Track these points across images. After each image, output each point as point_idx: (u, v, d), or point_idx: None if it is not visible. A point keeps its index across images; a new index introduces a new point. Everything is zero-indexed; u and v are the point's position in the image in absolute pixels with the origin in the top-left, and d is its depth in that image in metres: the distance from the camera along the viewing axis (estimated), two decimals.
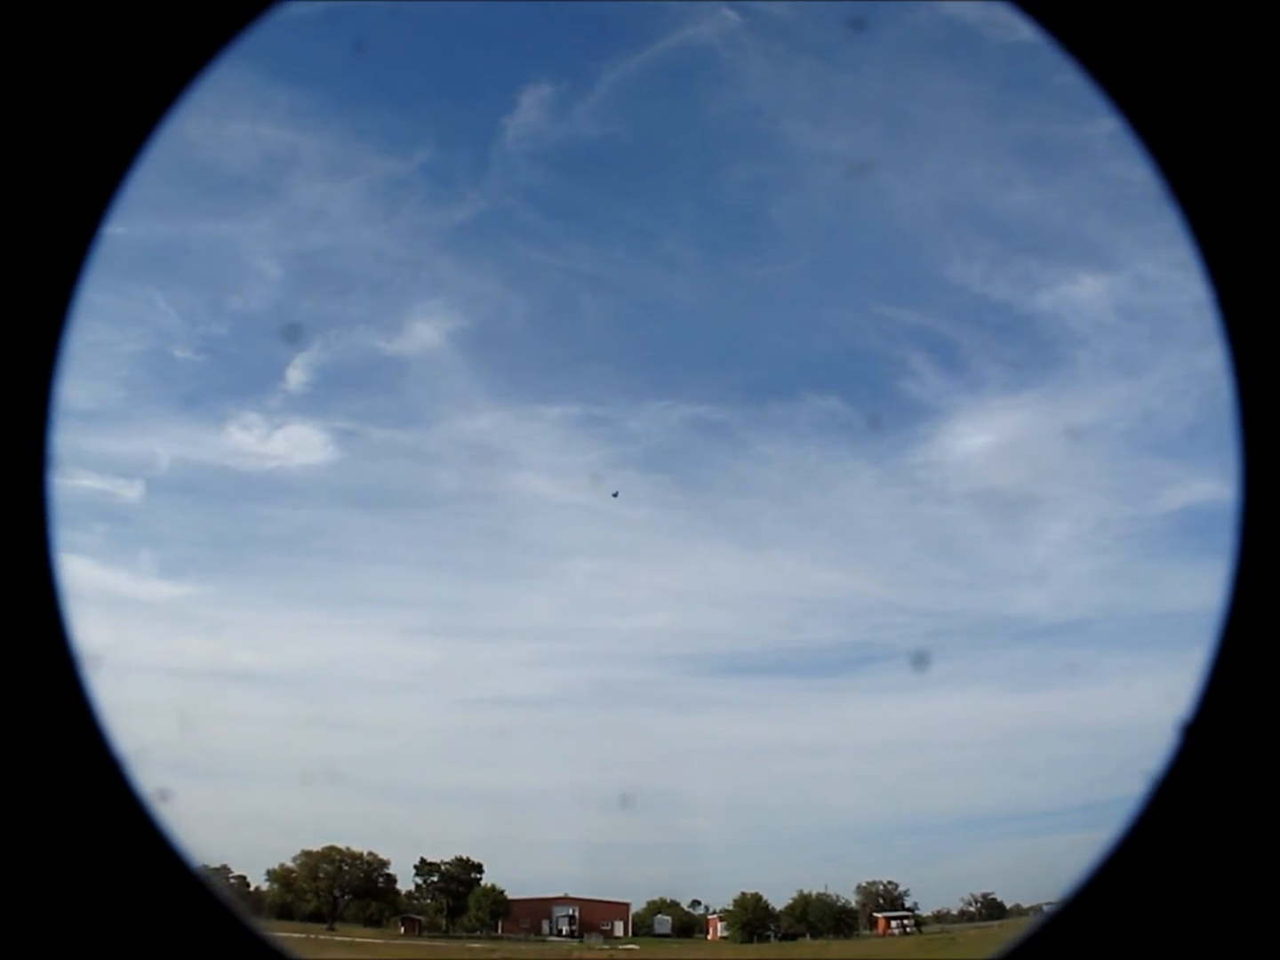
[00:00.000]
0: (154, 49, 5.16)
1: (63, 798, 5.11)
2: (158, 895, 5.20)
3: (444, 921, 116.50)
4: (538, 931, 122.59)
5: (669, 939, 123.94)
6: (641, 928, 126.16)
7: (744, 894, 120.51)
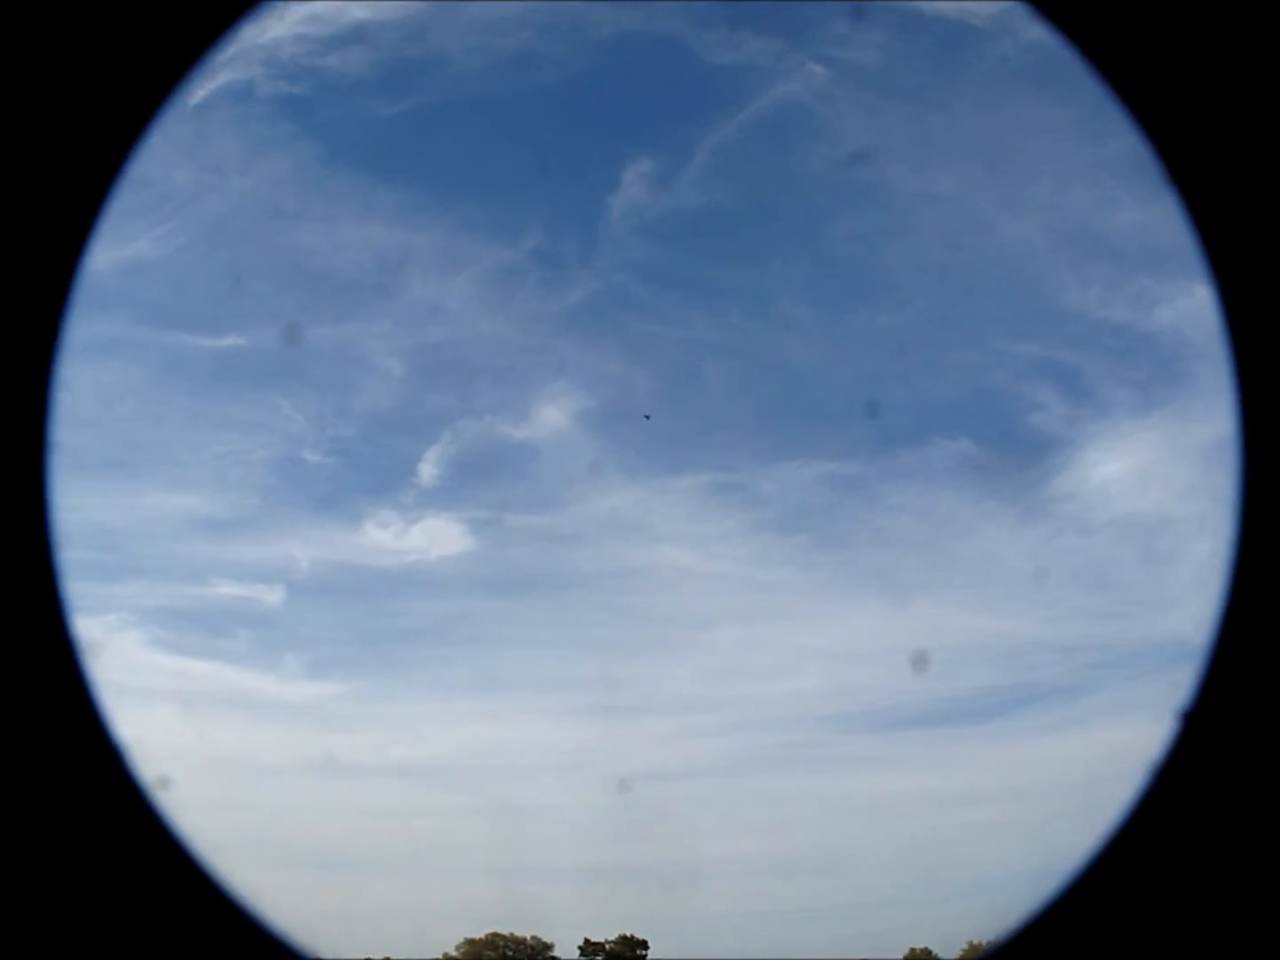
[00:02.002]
0: (140, 52, 5.09)
1: (63, 785, 5.08)
2: (156, 881, 5.18)
3: None
4: None
5: None
6: None
7: (913, 949, 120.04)
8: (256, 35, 28.38)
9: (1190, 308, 28.74)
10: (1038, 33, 30.54)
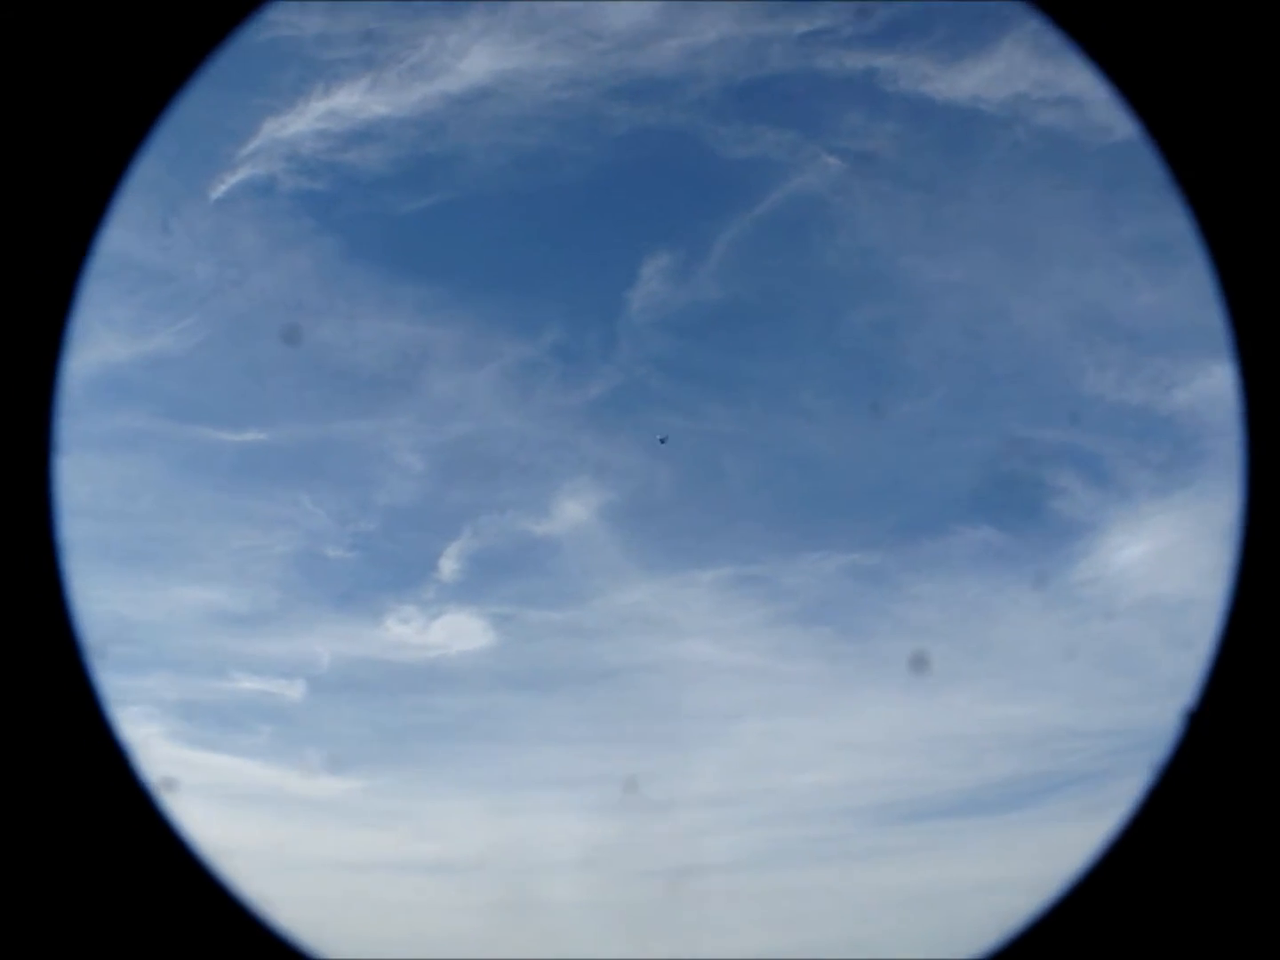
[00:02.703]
0: (145, 52, 5.16)
1: (69, 785, 5.11)
2: (162, 880, 5.20)
3: None
4: None
5: None
6: None
7: None
8: (277, 130, 29.05)
9: (1208, 388, 28.69)
10: (1049, 118, 30.82)
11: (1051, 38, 5.11)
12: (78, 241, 5.14)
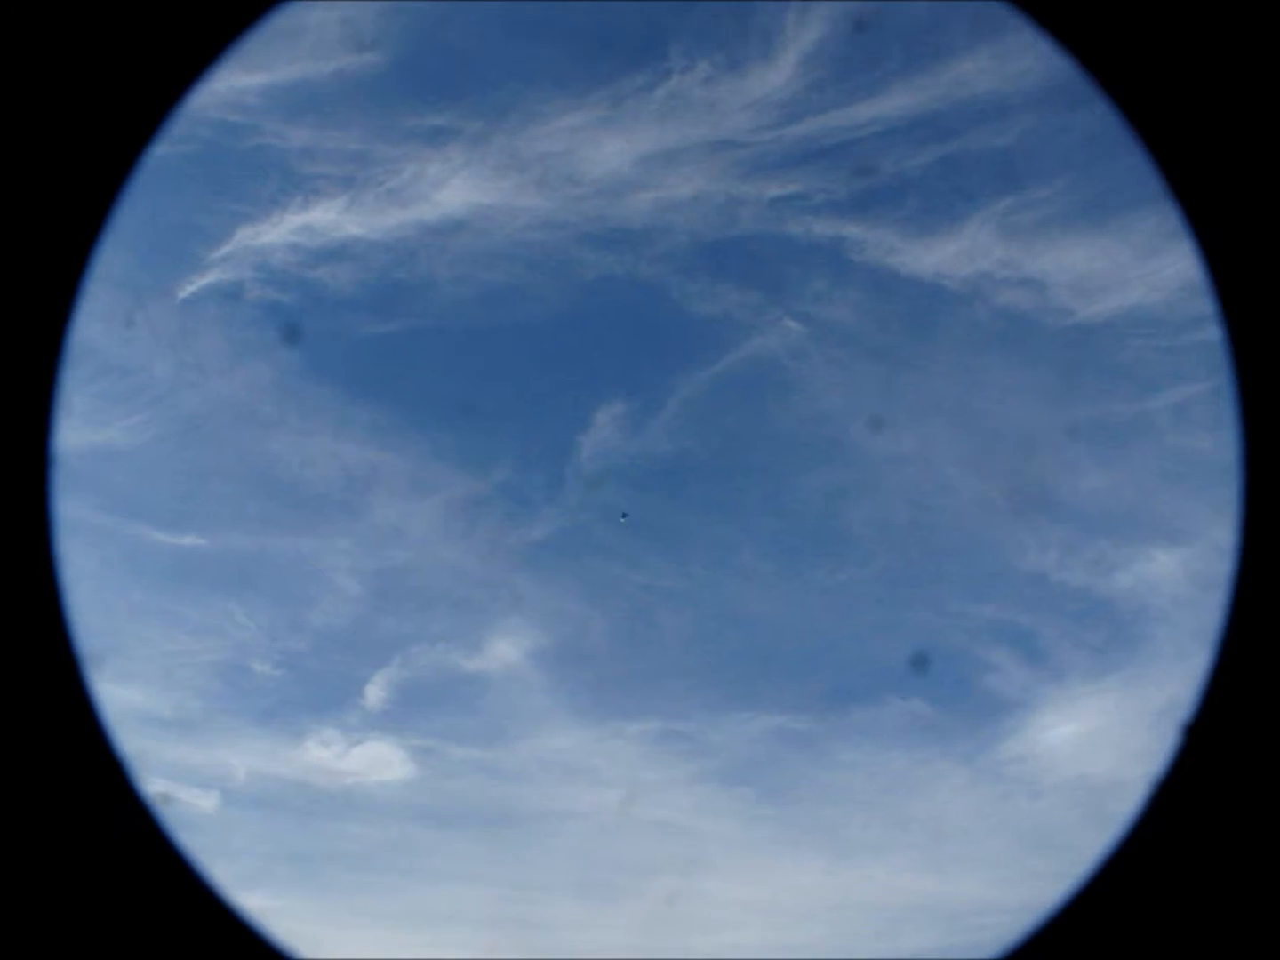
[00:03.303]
0: (155, 51, 5.18)
1: (66, 798, 5.08)
2: (160, 895, 5.16)
3: None
4: None
5: None
6: None
7: None
8: (250, 238, 29.29)
9: (1149, 572, 29.34)
10: (1010, 298, 32.02)
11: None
12: (80, 243, 5.20)
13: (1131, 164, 30.22)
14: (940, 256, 31.53)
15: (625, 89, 30.53)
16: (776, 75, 29.84)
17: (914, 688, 32.30)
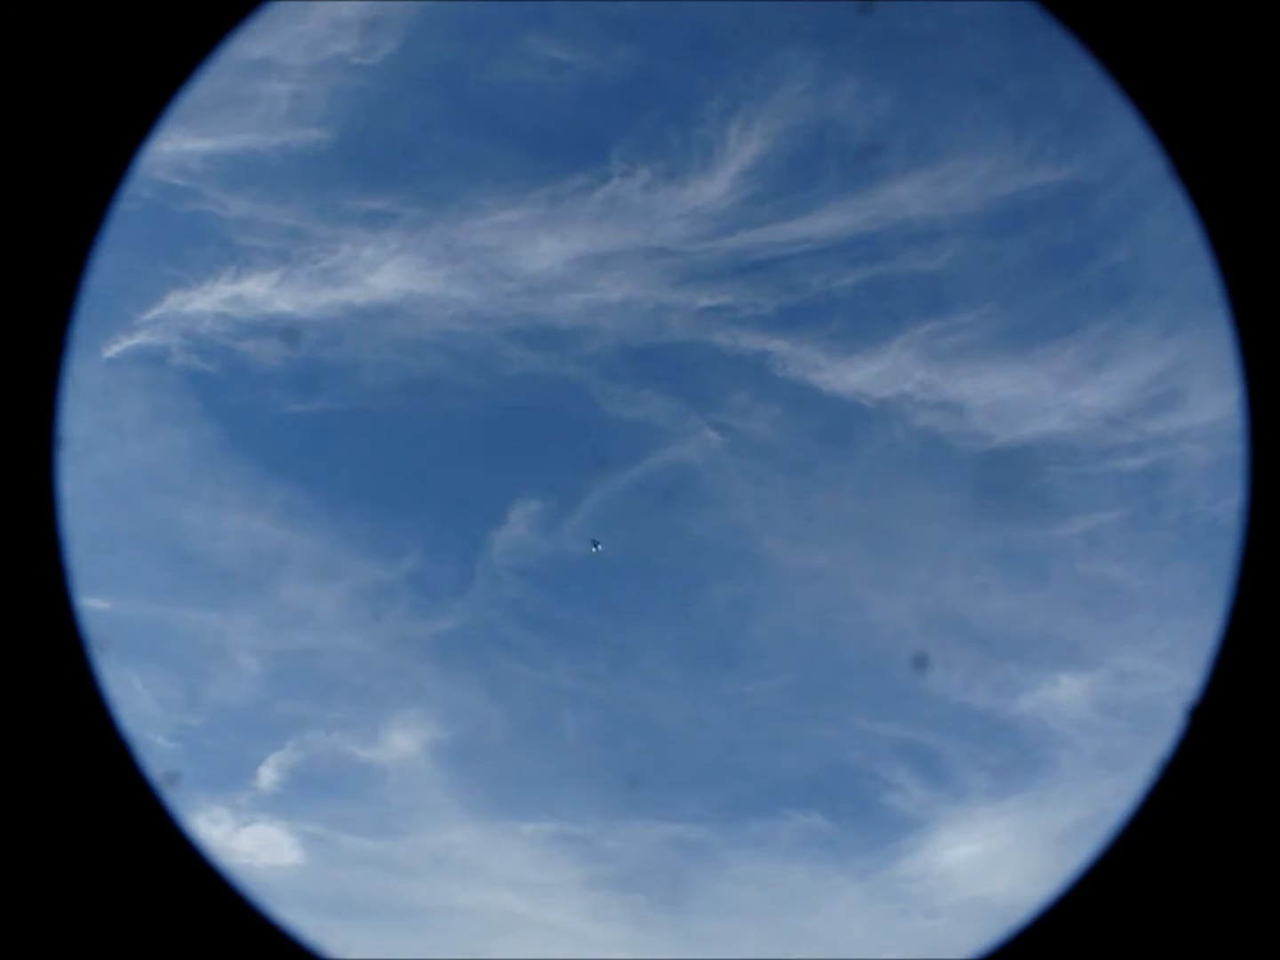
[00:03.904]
0: (145, 50, 5.18)
1: (72, 779, 5.06)
2: (165, 874, 5.13)
3: None
4: None
5: None
6: None
7: None
8: (181, 304, 28.79)
9: (1055, 696, 29.67)
10: (928, 420, 31.93)
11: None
12: (80, 239, 5.21)
13: (1057, 295, 30.19)
14: (863, 375, 32.42)
15: (565, 189, 31.30)
16: (714, 187, 30.85)
17: (813, 802, 32.22)
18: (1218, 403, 30.19)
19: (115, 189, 5.26)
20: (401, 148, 31.80)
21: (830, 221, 31.12)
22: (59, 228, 5.14)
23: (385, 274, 31.85)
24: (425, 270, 32.09)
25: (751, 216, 31.15)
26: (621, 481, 34.63)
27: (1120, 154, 29.68)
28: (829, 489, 34.63)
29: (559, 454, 36.05)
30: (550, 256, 31.95)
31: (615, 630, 36.20)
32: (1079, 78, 28.30)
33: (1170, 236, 29.45)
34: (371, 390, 33.48)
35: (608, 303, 32.55)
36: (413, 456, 35.68)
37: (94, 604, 5.38)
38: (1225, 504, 30.42)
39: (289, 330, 32.29)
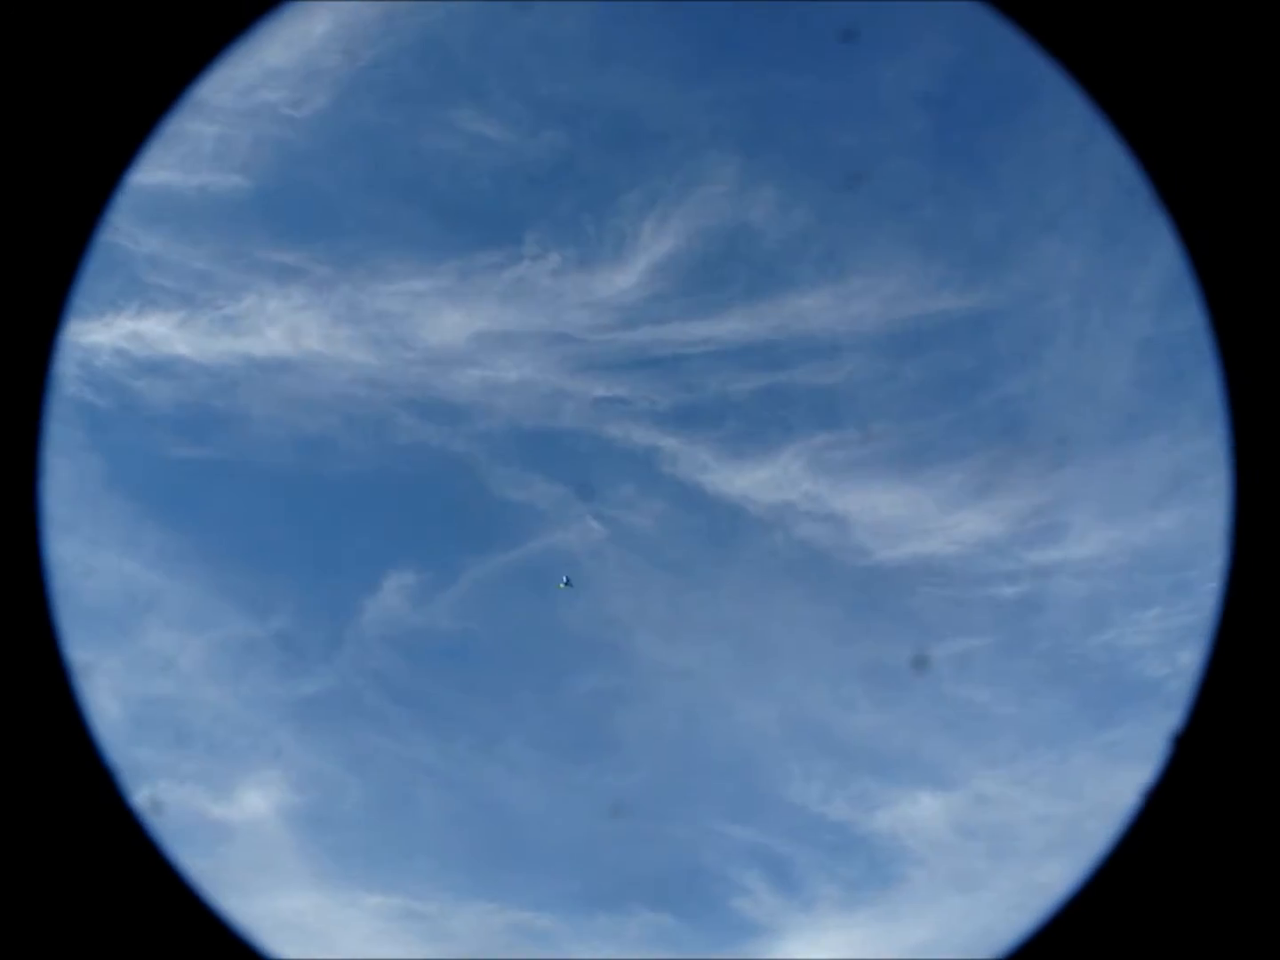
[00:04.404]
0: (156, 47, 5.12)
1: (55, 807, 5.00)
2: (149, 903, 5.08)
3: None
4: None
5: None
6: None
7: None
8: (77, 334, 27.71)
9: (912, 814, 30.03)
10: (810, 532, 32.04)
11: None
12: (77, 232, 5.18)
13: (949, 420, 30.90)
14: (750, 481, 32.74)
15: (475, 265, 31.36)
16: (623, 279, 31.14)
17: (662, 901, 32.00)
18: (1098, 539, 31.56)
19: (110, 195, 5.25)
20: (319, 204, 31.58)
21: (733, 326, 31.65)
22: (55, 221, 5.12)
23: (286, 328, 31.58)
24: (327, 329, 31.85)
25: (656, 312, 31.50)
26: (499, 562, 34.30)
27: (1028, 287, 30.99)
28: (705, 589, 34.75)
29: (439, 528, 35.59)
30: (453, 330, 32.02)
31: (479, 710, 35.48)
32: (994, 208, 30.45)
33: (1068, 373, 31.16)
34: (260, 443, 32.75)
35: (504, 382, 32.54)
36: (293, 514, 34.99)
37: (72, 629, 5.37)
38: (1096, 639, 31.78)
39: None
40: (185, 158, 29.48)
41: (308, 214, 31.65)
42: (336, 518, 35.17)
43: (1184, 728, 4.91)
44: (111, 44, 5.01)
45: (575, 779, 34.96)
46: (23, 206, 5.00)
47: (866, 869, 33.61)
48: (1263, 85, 4.78)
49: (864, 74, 30.15)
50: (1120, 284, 30.04)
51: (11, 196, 4.97)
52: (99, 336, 30.21)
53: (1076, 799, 31.59)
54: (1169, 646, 31.23)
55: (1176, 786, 4.89)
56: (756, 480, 32.78)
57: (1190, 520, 30.42)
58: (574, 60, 30.24)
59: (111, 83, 5.05)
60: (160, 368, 30.94)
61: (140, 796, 5.39)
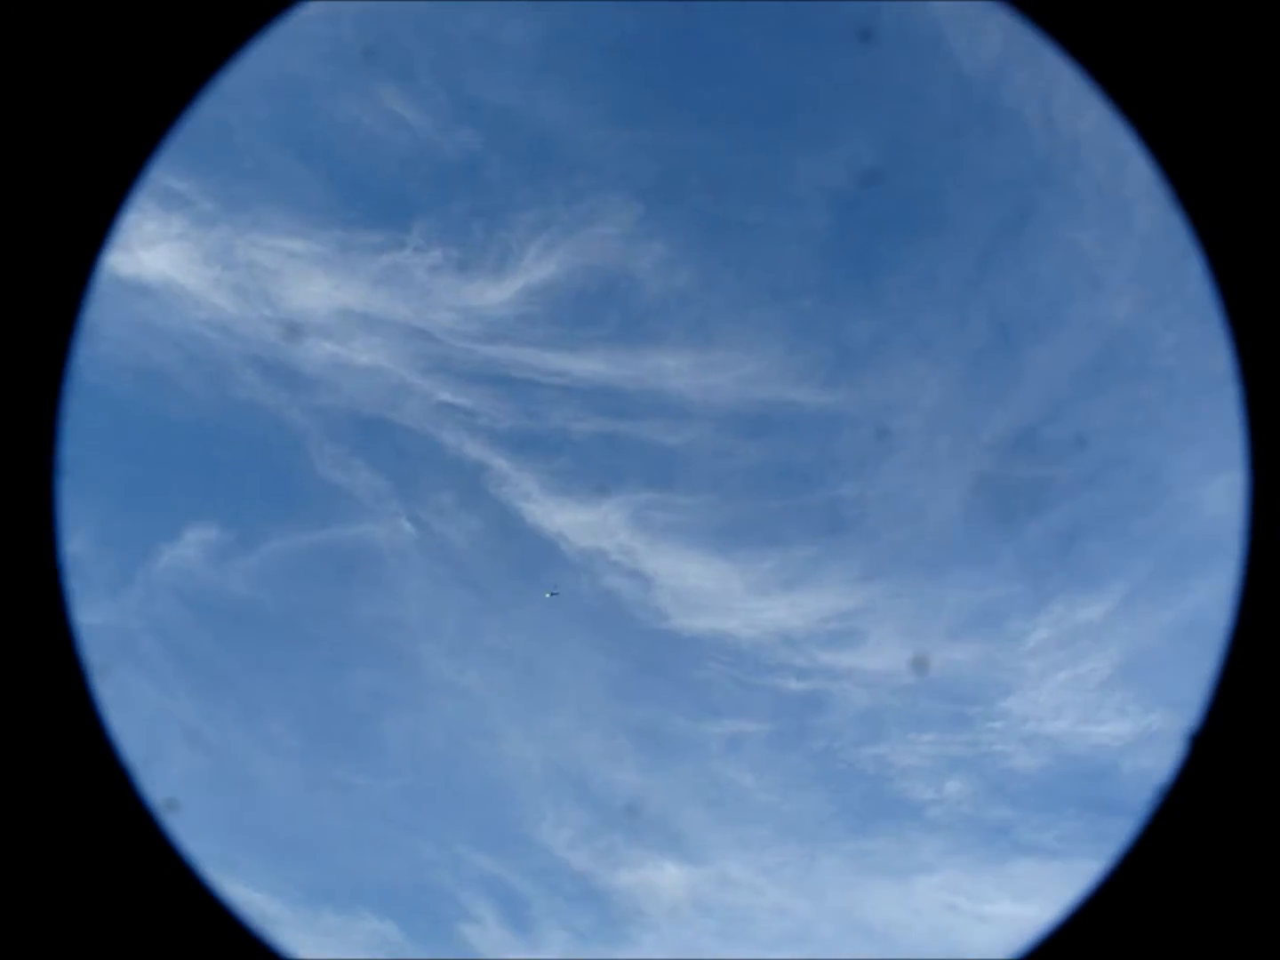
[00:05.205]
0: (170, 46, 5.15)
1: (72, 805, 5.02)
2: (165, 902, 5.09)
3: None
4: None
5: None
6: None
7: None
8: None
9: (655, 879, 29.49)
10: (616, 583, 31.75)
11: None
12: (88, 243, 5.16)
13: (775, 510, 30.99)
14: (569, 520, 32.33)
15: (357, 240, 30.48)
16: (497, 293, 30.52)
17: (392, 910, 31.17)
18: (891, 655, 31.84)
19: (123, 200, 5.25)
20: (221, 138, 30.04)
21: (591, 366, 31.29)
22: (65, 231, 5.10)
23: (158, 254, 30.61)
24: (197, 265, 30.79)
25: (520, 334, 31.07)
26: (304, 540, 33.33)
27: (885, 400, 31.02)
28: (501, 616, 34.05)
29: (255, 493, 34.41)
30: (318, 299, 31.04)
31: (251, 680, 34.48)
32: (874, 317, 30.34)
33: (901, 491, 31.21)
34: (101, 361, 31.36)
35: (355, 364, 31.71)
36: (116, 439, 33.16)
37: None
38: (869, 750, 31.99)
39: (292, 327, 31.13)
40: None
41: (207, 146, 30.14)
42: (157, 455, 33.89)
43: (1200, 728, 4.91)
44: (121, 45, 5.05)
45: (331, 772, 33.99)
46: (33, 211, 5.03)
47: (599, 924, 33.15)
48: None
49: (791, 156, 29.96)
50: (971, 420, 30.27)
51: (21, 200, 5.00)
52: None
53: (817, 899, 32.04)
54: (938, 772, 31.70)
55: (1192, 787, 4.89)
56: (576, 521, 32.59)
57: (985, 658, 31.04)
58: (514, 67, 29.65)
59: (125, 83, 5.10)
60: None
61: (157, 795, 5.35)
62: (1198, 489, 29.05)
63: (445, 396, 31.69)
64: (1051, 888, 29.78)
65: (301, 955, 5.24)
